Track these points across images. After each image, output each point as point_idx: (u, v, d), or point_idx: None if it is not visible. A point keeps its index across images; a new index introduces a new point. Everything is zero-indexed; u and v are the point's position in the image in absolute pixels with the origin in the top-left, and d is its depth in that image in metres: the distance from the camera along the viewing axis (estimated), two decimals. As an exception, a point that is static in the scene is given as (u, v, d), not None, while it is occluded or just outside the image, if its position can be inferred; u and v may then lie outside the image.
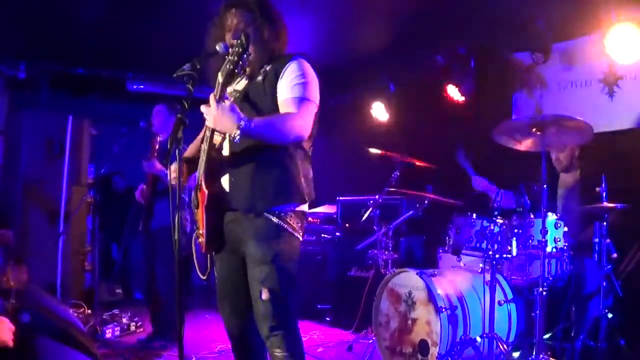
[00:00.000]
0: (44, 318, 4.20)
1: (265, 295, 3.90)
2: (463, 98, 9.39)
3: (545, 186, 5.57)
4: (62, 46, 9.60)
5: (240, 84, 4.25)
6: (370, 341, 6.93)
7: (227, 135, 3.99)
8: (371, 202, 7.79)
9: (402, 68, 10.40)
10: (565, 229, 6.01)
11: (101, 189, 9.43)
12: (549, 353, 5.68)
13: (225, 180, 4.06)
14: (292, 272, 4.05)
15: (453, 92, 9.44)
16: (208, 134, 3.96)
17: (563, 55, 8.48)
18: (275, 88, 4.02)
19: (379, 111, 10.86)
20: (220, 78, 3.75)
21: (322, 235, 9.63)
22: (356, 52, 9.52)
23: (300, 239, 4.14)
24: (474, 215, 6.15)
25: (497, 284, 6.01)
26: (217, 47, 3.93)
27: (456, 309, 6.00)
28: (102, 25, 8.59)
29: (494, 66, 9.32)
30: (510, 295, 6.28)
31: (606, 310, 6.11)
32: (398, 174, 7.35)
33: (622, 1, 7.21)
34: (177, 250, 3.61)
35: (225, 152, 4.08)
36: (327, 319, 9.22)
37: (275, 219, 3.96)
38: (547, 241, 5.60)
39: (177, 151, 3.62)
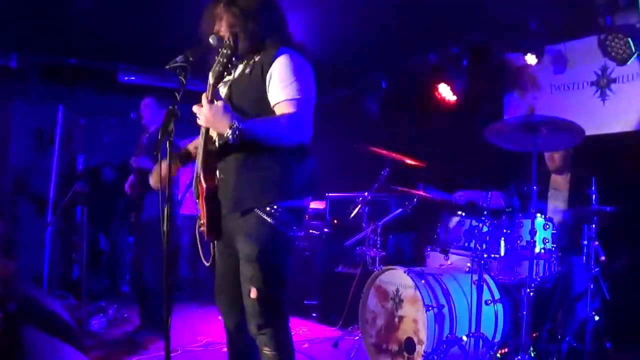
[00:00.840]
0: (30, 308, 4.18)
1: (253, 294, 3.88)
2: (455, 97, 9.40)
3: (535, 187, 5.58)
4: (53, 37, 9.57)
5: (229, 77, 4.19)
6: (357, 338, 6.93)
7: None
8: (360, 198, 7.79)
9: (394, 66, 10.41)
10: (554, 230, 6.02)
11: (90, 180, 9.41)
12: (534, 354, 5.70)
13: (218, 176, 4.05)
14: (282, 270, 4.01)
15: (445, 91, 9.45)
16: (203, 129, 3.95)
17: (556, 57, 8.51)
18: (262, 82, 3.93)
19: (371, 108, 10.85)
20: (210, 79, 3.72)
21: (311, 231, 9.61)
22: (348, 49, 9.51)
23: (293, 235, 4.03)
24: (463, 214, 6.15)
25: (484, 284, 6.03)
26: (211, 40, 3.88)
27: (443, 308, 6.00)
28: (94, 16, 8.55)
29: (486, 66, 9.33)
30: (497, 295, 6.29)
31: (593, 313, 6.13)
32: (388, 171, 7.35)
33: (617, 5, 7.22)
34: (165, 242, 3.60)
35: (217, 147, 4.05)
36: (314, 315, 9.20)
37: (263, 216, 3.89)
38: (535, 242, 5.63)
39: (167, 143, 3.60)
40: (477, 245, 5.95)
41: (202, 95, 3.73)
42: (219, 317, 4.49)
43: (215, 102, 3.71)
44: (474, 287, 5.99)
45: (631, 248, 6.89)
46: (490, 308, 6.23)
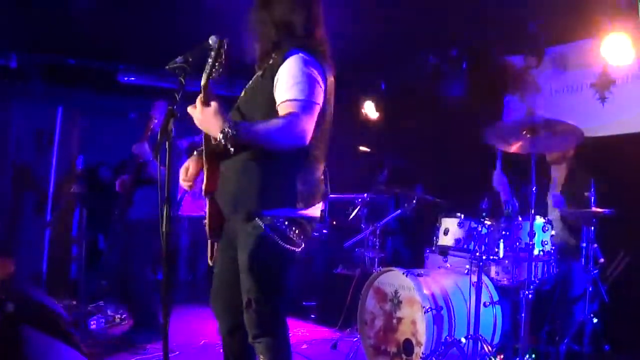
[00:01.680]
0: (28, 308, 4.18)
1: (250, 304, 3.84)
2: (454, 99, 9.39)
3: (534, 188, 5.58)
4: (53, 37, 9.57)
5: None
6: (355, 339, 6.91)
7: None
8: (359, 200, 7.80)
9: (393, 67, 10.40)
10: (553, 232, 6.02)
11: (88, 180, 9.42)
12: (533, 356, 5.70)
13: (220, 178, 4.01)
14: (280, 282, 3.96)
15: (444, 92, 9.45)
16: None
17: (556, 59, 8.50)
18: (271, 86, 3.87)
19: (370, 110, 10.85)
20: (203, 80, 3.71)
21: (310, 232, 9.62)
22: (346, 50, 9.50)
23: (295, 248, 3.94)
24: (462, 216, 6.15)
25: (483, 286, 6.02)
26: (210, 41, 3.83)
27: (442, 310, 5.99)
28: (95, 17, 8.53)
29: (486, 68, 9.32)
30: (496, 297, 6.29)
31: (591, 315, 6.13)
32: (387, 172, 7.36)
33: (617, 8, 7.22)
34: (164, 243, 3.59)
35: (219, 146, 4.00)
36: (312, 316, 9.21)
37: (263, 226, 3.78)
38: (534, 244, 5.62)
39: (167, 143, 3.59)
40: (476, 247, 5.94)
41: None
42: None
43: (208, 105, 3.68)
44: (472, 289, 5.98)
45: (630, 250, 6.88)
46: (489, 310, 6.22)
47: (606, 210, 5.98)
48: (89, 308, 8.41)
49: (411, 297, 6.08)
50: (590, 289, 6.13)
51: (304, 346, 7.66)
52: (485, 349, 5.85)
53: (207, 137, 3.89)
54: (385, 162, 7.44)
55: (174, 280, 10.72)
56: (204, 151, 3.97)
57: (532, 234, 5.58)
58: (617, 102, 7.86)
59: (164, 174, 3.65)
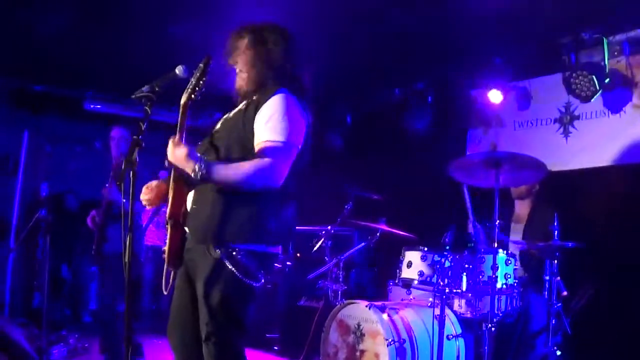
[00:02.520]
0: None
1: (209, 337, 3.78)
2: (419, 131, 9.44)
3: (497, 222, 5.62)
4: (20, 62, 9.54)
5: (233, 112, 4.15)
6: (318, 371, 6.91)
7: None
8: (323, 232, 7.81)
9: (359, 100, 10.46)
10: (516, 266, 6.05)
11: (53, 208, 9.35)
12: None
13: (189, 206, 3.97)
14: (240, 316, 3.89)
15: (409, 125, 9.49)
16: None
17: (520, 94, 8.57)
18: (253, 123, 3.86)
19: (335, 142, 10.87)
20: (183, 99, 3.74)
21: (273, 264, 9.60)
22: (313, 81, 9.54)
23: (254, 282, 3.84)
24: (426, 248, 6.16)
25: (446, 319, 6.02)
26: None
27: (404, 342, 6.00)
28: (63, 43, 8.53)
29: (451, 102, 9.39)
30: (459, 330, 6.29)
31: (555, 348, 6.15)
32: (351, 205, 7.38)
33: (582, 43, 7.32)
34: (127, 273, 3.57)
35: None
36: (275, 348, 9.16)
37: (228, 260, 3.73)
38: (497, 277, 5.64)
39: (130, 173, 3.59)
40: (439, 280, 5.94)
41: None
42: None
43: (181, 144, 3.70)
44: (435, 321, 5.98)
45: (594, 283, 6.93)
46: (452, 343, 6.22)
47: (570, 243, 6.02)
48: (51, 337, 8.34)
49: (374, 330, 6.08)
50: (554, 322, 6.15)
51: (267, 378, 7.63)
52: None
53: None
54: (349, 195, 7.44)
55: (137, 310, 10.65)
56: (171, 175, 3.93)
57: (495, 268, 5.60)
58: (580, 136, 7.93)
59: (127, 205, 3.64)
